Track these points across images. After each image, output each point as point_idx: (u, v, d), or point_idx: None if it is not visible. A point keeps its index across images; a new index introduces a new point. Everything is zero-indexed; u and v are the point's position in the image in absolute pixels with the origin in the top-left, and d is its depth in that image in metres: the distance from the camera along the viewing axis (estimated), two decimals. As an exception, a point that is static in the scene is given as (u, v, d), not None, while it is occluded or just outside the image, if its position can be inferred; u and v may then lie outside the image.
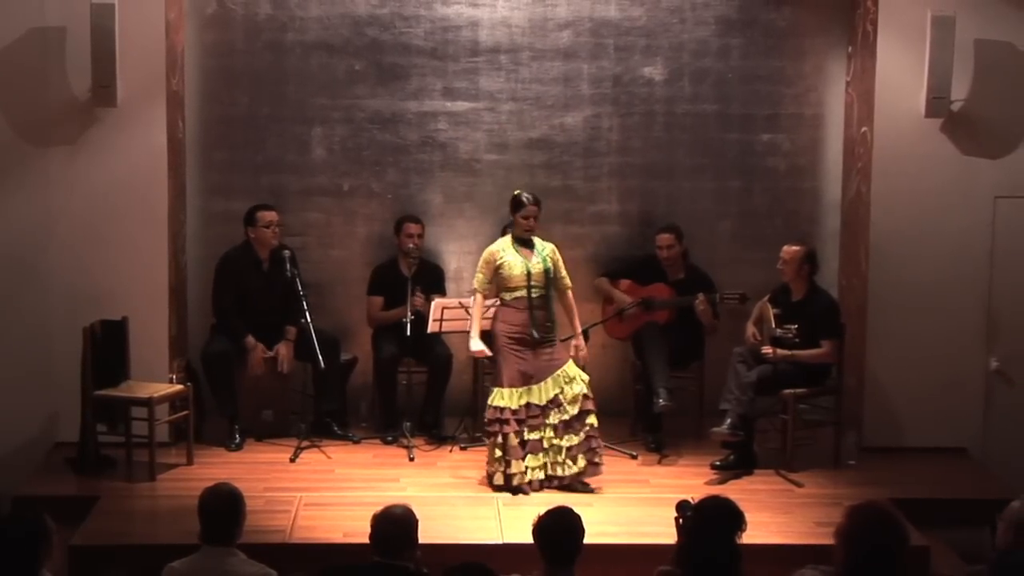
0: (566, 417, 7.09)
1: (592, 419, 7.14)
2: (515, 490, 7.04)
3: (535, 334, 7.11)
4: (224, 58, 8.50)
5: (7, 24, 7.56)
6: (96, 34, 7.40)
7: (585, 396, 7.14)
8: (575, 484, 7.13)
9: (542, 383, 7.11)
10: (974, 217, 8.05)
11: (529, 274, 7.15)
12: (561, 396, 7.09)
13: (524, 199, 7.22)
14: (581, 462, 7.11)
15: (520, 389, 7.09)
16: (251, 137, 8.57)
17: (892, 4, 7.93)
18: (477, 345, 7.23)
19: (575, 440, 7.10)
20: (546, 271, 7.20)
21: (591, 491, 7.13)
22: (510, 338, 7.14)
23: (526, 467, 7.04)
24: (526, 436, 7.06)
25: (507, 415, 7.05)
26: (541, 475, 7.08)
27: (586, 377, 7.21)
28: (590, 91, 8.69)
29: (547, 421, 7.08)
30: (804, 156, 8.78)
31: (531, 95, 8.67)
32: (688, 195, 8.75)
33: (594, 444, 7.15)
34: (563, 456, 7.10)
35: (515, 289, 7.17)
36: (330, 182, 8.65)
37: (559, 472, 7.11)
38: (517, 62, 8.65)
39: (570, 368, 7.17)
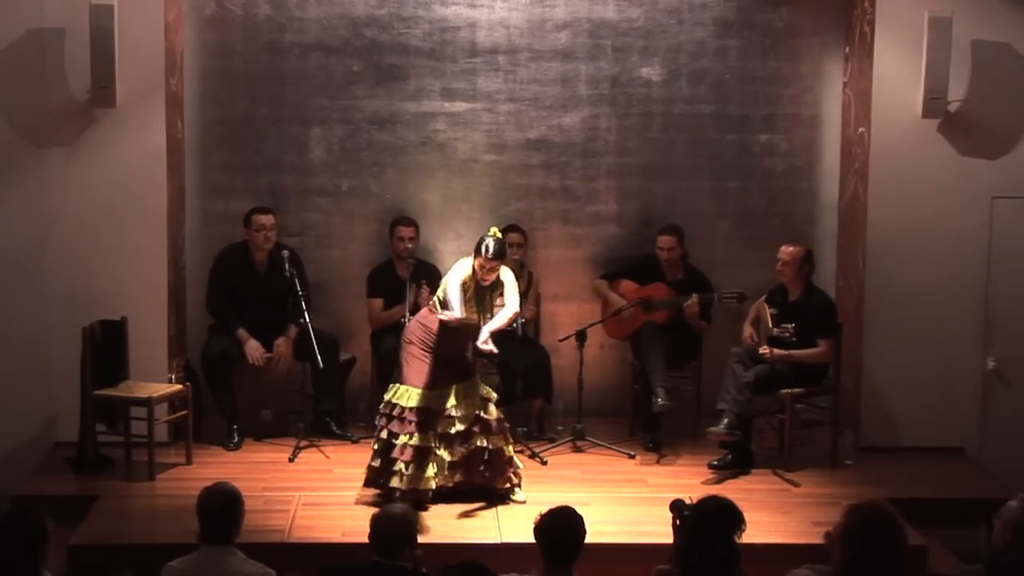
0: (453, 431, 6.72)
1: (481, 441, 6.79)
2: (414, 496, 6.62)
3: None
4: (223, 59, 8.51)
5: (6, 25, 7.56)
6: (95, 35, 7.41)
7: (481, 417, 6.79)
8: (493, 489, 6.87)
9: (442, 390, 6.76)
10: (971, 217, 8.06)
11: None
12: (455, 409, 6.74)
13: (486, 246, 6.68)
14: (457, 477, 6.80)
15: (420, 391, 6.74)
16: (250, 138, 8.58)
17: (889, 5, 7.94)
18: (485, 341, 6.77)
19: (458, 455, 6.75)
20: (483, 312, 6.83)
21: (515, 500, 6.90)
22: (423, 345, 6.84)
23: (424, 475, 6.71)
24: (415, 441, 6.69)
25: (401, 413, 6.73)
26: (433, 484, 6.73)
27: (493, 396, 6.92)
28: (588, 92, 8.70)
29: (437, 431, 6.74)
30: (801, 157, 8.79)
31: (529, 96, 8.68)
32: (686, 195, 8.76)
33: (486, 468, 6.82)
34: (446, 469, 6.75)
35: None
36: (329, 182, 8.66)
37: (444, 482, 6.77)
38: (515, 63, 8.66)
39: (477, 387, 6.87)
